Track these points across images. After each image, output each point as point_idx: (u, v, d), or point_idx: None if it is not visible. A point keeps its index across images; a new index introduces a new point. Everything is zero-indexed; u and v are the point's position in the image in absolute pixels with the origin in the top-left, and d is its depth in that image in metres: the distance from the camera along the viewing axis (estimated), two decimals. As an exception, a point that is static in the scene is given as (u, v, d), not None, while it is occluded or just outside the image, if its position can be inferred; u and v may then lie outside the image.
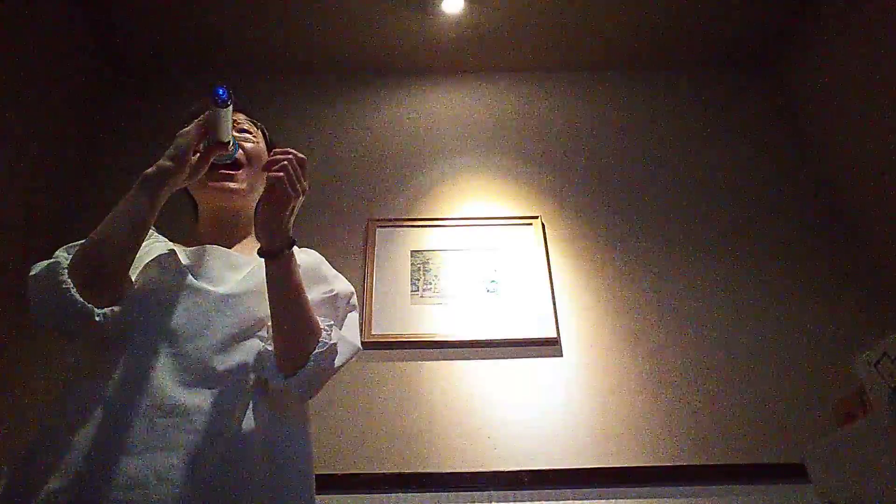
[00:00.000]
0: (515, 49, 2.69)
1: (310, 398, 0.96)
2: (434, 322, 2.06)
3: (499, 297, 2.12)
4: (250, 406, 0.88)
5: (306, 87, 2.70)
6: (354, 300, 1.09)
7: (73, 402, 0.84)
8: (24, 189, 2.15)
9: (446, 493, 1.75)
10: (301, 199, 0.90)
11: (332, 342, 0.91)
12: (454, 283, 2.15)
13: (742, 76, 2.74)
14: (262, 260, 0.91)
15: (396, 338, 2.02)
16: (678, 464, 1.80)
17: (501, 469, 1.78)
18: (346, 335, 0.99)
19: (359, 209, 2.34)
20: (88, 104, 2.53)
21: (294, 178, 0.87)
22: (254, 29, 2.55)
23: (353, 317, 1.07)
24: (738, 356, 2.02)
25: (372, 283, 2.13)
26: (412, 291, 2.13)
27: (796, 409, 1.90)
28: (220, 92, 0.90)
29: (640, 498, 1.74)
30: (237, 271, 0.98)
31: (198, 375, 0.85)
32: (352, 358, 1.00)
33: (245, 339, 0.92)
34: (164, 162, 0.90)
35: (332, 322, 0.96)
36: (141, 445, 0.78)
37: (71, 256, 0.86)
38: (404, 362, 1.99)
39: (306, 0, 2.45)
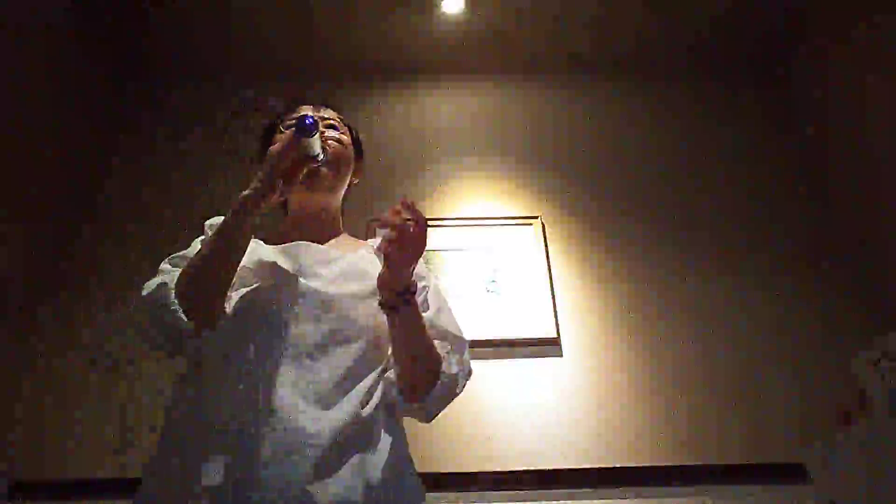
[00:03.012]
0: (515, 49, 2.69)
1: (431, 421, 1.01)
2: (434, 322, 2.06)
3: (499, 297, 2.12)
4: (373, 426, 0.89)
5: (306, 86, 2.69)
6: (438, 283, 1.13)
7: (184, 414, 0.86)
8: (27, 191, 2.15)
9: (446, 493, 1.74)
10: (420, 255, 0.91)
11: (453, 372, 0.97)
12: (454, 283, 2.15)
13: (742, 78, 2.74)
14: (355, 256, 1.00)
15: (396, 338, 2.02)
16: (678, 464, 1.80)
17: (501, 469, 1.78)
18: (463, 360, 1.04)
19: (359, 209, 2.34)
20: (88, 107, 2.53)
21: (409, 242, 0.87)
22: (254, 29, 2.55)
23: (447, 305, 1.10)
24: (738, 356, 2.02)
25: (372, 283, 2.13)
26: (412, 291, 2.13)
27: (796, 409, 1.90)
28: (308, 122, 0.93)
29: (640, 498, 1.74)
30: (329, 266, 1.00)
31: (316, 395, 0.86)
32: (468, 381, 1.05)
33: (344, 347, 0.92)
34: (258, 184, 0.92)
35: (450, 347, 1.01)
36: (266, 464, 0.78)
37: (176, 279, 0.89)
38: (404, 362, 1.99)
39: (307, 1, 2.45)
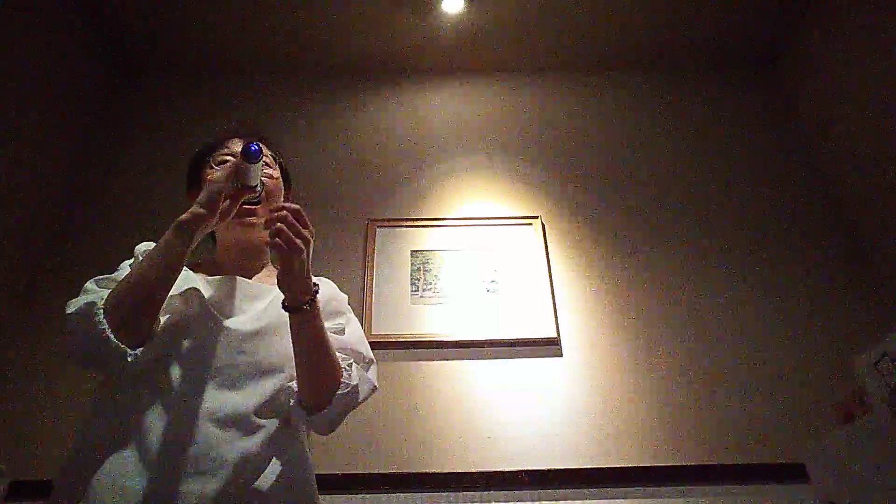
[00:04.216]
0: (515, 49, 2.69)
1: (330, 433, 1.01)
2: (434, 322, 2.06)
3: (499, 297, 2.12)
4: (277, 440, 0.93)
5: (306, 86, 2.70)
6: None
7: (101, 431, 0.87)
8: (25, 189, 2.15)
9: (446, 493, 1.74)
10: (310, 246, 0.91)
11: (353, 383, 0.97)
12: (454, 283, 2.15)
13: (742, 76, 2.74)
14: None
15: (396, 338, 2.02)
16: (678, 464, 1.80)
17: (501, 469, 1.78)
18: (365, 374, 1.04)
19: (359, 209, 2.34)
20: (88, 106, 2.53)
21: (291, 233, 0.88)
22: (254, 29, 2.55)
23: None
24: (738, 356, 2.02)
25: (372, 283, 2.13)
26: (412, 291, 2.13)
27: (796, 409, 1.90)
28: (254, 149, 0.95)
29: (640, 498, 1.74)
30: (258, 301, 1.02)
31: (227, 414, 0.89)
32: (370, 396, 1.05)
33: (267, 377, 0.95)
34: (197, 209, 0.93)
35: (352, 360, 1.01)
36: (172, 477, 0.82)
37: (106, 297, 0.89)
38: (404, 362, 1.99)
39: (307, 0, 2.45)
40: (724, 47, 2.69)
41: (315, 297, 0.93)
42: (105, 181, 2.41)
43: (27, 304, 2.09)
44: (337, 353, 0.99)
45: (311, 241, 0.91)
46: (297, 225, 0.89)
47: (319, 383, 0.95)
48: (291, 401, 0.95)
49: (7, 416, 1.89)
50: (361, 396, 1.01)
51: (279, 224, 0.88)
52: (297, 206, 0.90)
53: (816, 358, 2.00)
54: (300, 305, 0.91)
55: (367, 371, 1.05)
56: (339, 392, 0.95)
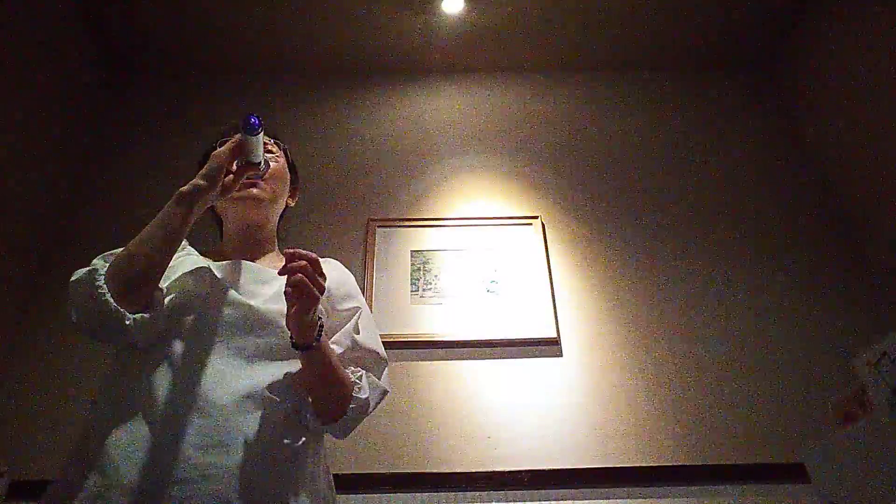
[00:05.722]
0: (515, 49, 2.69)
1: (345, 437, 1.02)
2: (434, 322, 2.06)
3: (499, 297, 2.12)
4: (290, 417, 0.94)
5: (306, 86, 2.70)
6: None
7: (111, 405, 0.89)
8: (24, 190, 2.15)
9: (446, 493, 1.75)
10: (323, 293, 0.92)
11: (363, 397, 0.98)
12: (454, 283, 2.15)
13: (742, 77, 2.74)
14: None
15: (396, 338, 2.02)
16: (678, 464, 1.80)
17: (501, 469, 1.78)
18: (377, 381, 1.04)
19: (359, 209, 2.35)
20: (89, 106, 2.53)
21: (311, 281, 0.88)
22: (254, 29, 2.55)
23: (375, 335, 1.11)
24: (738, 356, 2.02)
25: (372, 283, 2.13)
26: (412, 291, 2.13)
27: (796, 409, 1.90)
28: (253, 121, 0.96)
29: (640, 498, 1.74)
30: (267, 285, 1.03)
31: (241, 388, 0.90)
32: (382, 400, 1.05)
33: (279, 359, 0.96)
34: (198, 180, 0.95)
35: (363, 373, 1.02)
36: (184, 447, 0.82)
37: (108, 264, 0.90)
38: (404, 362, 1.99)
39: (307, 0, 2.45)
40: (723, 48, 2.69)
41: (321, 331, 0.93)
42: (105, 181, 2.40)
43: (28, 306, 2.09)
44: (352, 355, 1.00)
45: (322, 287, 0.91)
46: (315, 275, 0.89)
47: (331, 404, 0.96)
48: (306, 411, 0.95)
49: (7, 416, 1.89)
50: (373, 405, 1.02)
51: (299, 274, 0.87)
52: (315, 256, 0.89)
53: (816, 358, 2.00)
54: (309, 343, 0.92)
55: (380, 373, 1.06)
56: (350, 406, 0.97)
